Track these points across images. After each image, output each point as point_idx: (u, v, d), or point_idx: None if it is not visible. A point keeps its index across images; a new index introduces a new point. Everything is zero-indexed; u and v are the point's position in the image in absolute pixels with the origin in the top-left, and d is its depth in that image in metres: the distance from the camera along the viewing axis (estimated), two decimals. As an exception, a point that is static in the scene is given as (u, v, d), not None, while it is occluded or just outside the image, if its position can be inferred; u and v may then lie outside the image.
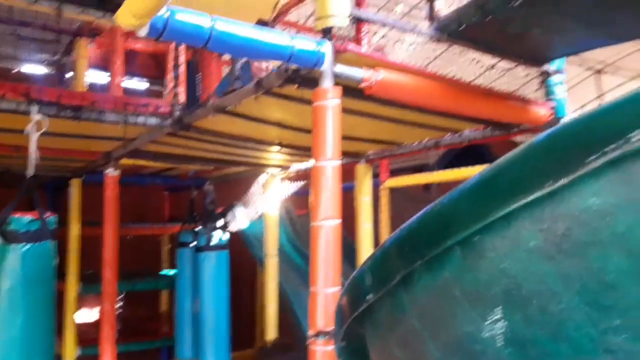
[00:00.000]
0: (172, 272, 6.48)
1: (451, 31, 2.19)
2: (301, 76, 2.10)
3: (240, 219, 5.58)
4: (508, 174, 0.96)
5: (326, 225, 1.92)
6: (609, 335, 0.97)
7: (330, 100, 1.97)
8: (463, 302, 1.12)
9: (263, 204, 5.03)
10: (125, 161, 4.21)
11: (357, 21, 2.09)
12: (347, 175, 4.24)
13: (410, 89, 2.20)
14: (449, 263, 1.12)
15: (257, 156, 4.26)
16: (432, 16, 2.23)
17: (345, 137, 3.54)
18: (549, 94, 2.66)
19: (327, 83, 1.98)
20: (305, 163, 4.57)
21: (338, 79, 2.02)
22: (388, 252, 1.24)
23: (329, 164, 1.95)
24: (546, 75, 2.64)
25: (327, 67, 1.97)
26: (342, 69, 2.01)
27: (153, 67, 5.48)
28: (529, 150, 0.92)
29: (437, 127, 3.13)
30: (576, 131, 0.87)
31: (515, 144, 3.26)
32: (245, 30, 1.76)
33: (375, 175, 5.10)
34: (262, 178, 4.97)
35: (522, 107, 2.56)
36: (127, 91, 4.69)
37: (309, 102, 2.11)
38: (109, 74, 4.22)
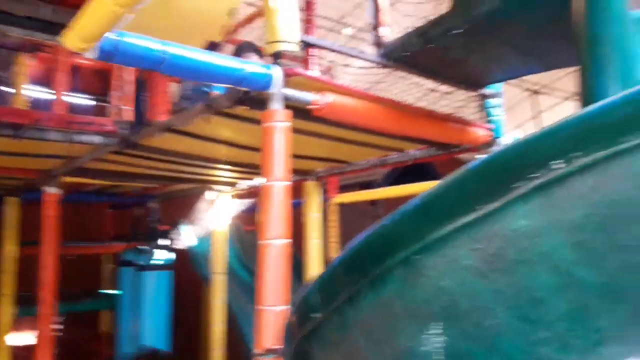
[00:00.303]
0: (114, 292, 6.29)
1: (396, 57, 2.29)
2: (251, 98, 2.13)
3: (186, 236, 5.50)
4: (445, 198, 1.03)
5: (275, 244, 1.95)
6: (538, 346, 1.06)
7: (280, 122, 2.01)
8: (405, 319, 1.18)
9: (211, 221, 4.99)
10: (67, 179, 4.08)
11: (307, 46, 2.15)
12: (298, 191, 4.29)
13: (357, 112, 2.28)
14: (392, 281, 1.17)
15: (206, 173, 4.23)
16: (378, 42, 2.33)
17: (295, 156, 3.60)
18: (487, 115, 2.82)
19: (276, 105, 2.02)
20: (254, 180, 4.58)
21: (288, 101, 2.07)
22: (335, 272, 1.29)
23: (279, 184, 1.98)
24: (485, 98, 2.80)
25: (277, 90, 2.01)
26: (291, 92, 2.06)
27: (98, 83, 5.34)
28: (463, 177, 1.00)
29: (383, 147, 3.24)
30: (505, 159, 0.96)
31: (459, 161, 3.41)
32: (196, 54, 1.78)
33: (325, 191, 5.18)
34: (210, 195, 4.93)
35: (462, 128, 2.69)
36: (71, 107, 4.56)
37: (258, 121, 2.14)
38: (51, 90, 4.09)
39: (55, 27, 1.71)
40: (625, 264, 0.94)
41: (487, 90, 2.77)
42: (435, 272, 1.12)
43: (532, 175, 0.90)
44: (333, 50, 2.23)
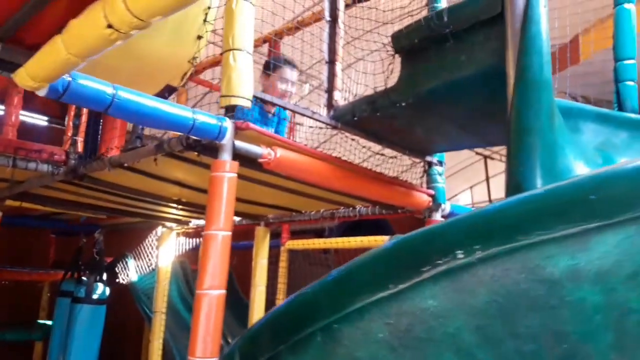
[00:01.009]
0: (49, 322, 6.00)
1: (345, 120, 2.40)
2: (202, 145, 2.17)
3: (131, 271, 5.36)
4: (361, 274, 1.09)
5: (210, 294, 1.95)
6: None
7: (228, 172, 2.05)
8: (320, 386, 1.21)
9: (157, 257, 4.89)
10: (10, 202, 3.96)
11: (261, 102, 2.23)
12: (251, 234, 4.31)
13: (305, 168, 2.35)
14: (311, 347, 1.21)
15: (155, 209, 4.19)
16: (330, 105, 2.43)
17: (246, 201, 3.64)
18: (431, 181, 2.94)
19: (225, 156, 2.07)
20: (204, 220, 4.55)
21: (237, 152, 2.12)
22: (258, 334, 1.31)
23: (220, 234, 2.01)
24: (429, 165, 2.93)
25: (227, 142, 2.06)
26: (241, 144, 2.12)
27: (55, 106, 5.28)
28: (378, 255, 1.06)
29: (332, 201, 3.32)
30: (414, 245, 1.03)
31: (414, 218, 3.47)
32: (147, 101, 1.82)
33: (278, 235, 5.24)
34: (158, 230, 4.86)
35: (406, 192, 2.80)
36: (25, 126, 4.45)
37: (209, 166, 2.17)
38: (3, 107, 4.00)
39: (5, 64, 1.74)
40: (520, 351, 1.02)
41: (432, 158, 2.90)
42: (352, 343, 1.16)
43: (436, 262, 0.97)
44: (285, 109, 2.31)
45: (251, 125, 2.12)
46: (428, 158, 2.90)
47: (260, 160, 2.20)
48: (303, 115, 2.38)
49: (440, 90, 2.10)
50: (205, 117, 1.99)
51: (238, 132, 2.12)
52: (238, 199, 3.57)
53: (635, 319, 0.97)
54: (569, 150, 1.83)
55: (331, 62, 2.52)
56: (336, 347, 1.19)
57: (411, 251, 1.03)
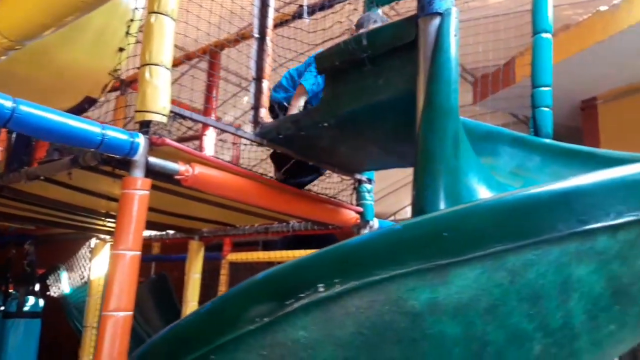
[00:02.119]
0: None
1: (271, 138, 2.39)
2: (117, 160, 2.11)
3: (63, 283, 5.17)
4: (230, 307, 1.08)
5: (116, 316, 1.89)
6: None
7: (139, 190, 2.00)
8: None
9: (89, 270, 4.73)
10: None
11: (180, 118, 2.19)
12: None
13: (226, 185, 2.32)
14: (189, 378, 1.18)
15: (85, 221, 4.06)
16: (256, 122, 2.42)
17: (180, 215, 3.57)
18: (360, 198, 2.97)
19: (137, 173, 2.02)
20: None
21: (152, 168, 2.07)
22: (140, 361, 1.27)
23: (128, 254, 1.95)
24: (358, 182, 2.96)
25: (140, 158, 2.01)
26: (156, 161, 2.07)
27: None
28: (245, 289, 1.05)
29: (265, 216, 3.29)
30: (278, 279, 1.02)
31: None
32: (51, 115, 1.76)
33: (220, 248, 5.20)
34: (92, 242, 4.71)
35: (334, 209, 2.82)
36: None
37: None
38: None
39: None
40: (384, 383, 1.02)
41: (361, 176, 2.93)
42: (229, 372, 1.14)
43: (299, 295, 0.97)
44: (207, 125, 2.28)
45: (167, 140, 2.08)
46: (357, 176, 2.93)
47: (177, 177, 2.16)
48: (226, 132, 2.36)
49: (360, 113, 2.12)
50: (115, 133, 1.93)
51: (153, 148, 2.07)
52: (171, 213, 3.53)
53: (492, 350, 0.99)
54: (473, 175, 1.88)
55: (258, 79, 2.51)
56: (214, 378, 1.16)
57: (276, 285, 1.02)
